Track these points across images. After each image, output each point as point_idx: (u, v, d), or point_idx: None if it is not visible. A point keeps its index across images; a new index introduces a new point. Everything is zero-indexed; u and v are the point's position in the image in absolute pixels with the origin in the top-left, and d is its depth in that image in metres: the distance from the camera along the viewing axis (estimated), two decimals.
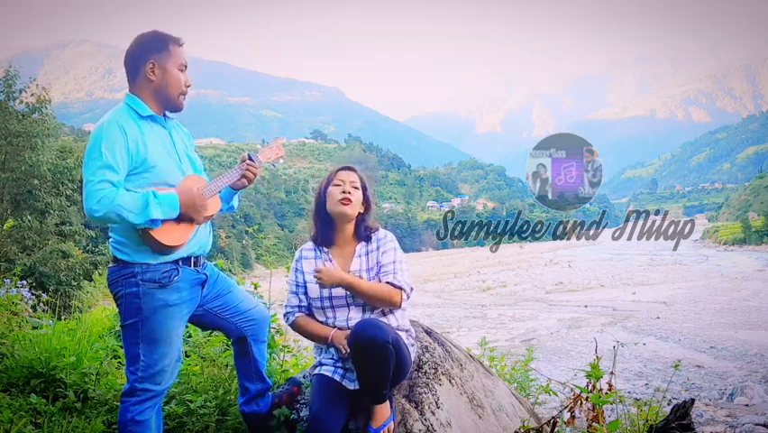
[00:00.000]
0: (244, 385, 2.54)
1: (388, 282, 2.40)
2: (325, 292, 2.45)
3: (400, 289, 2.39)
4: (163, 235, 2.09)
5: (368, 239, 2.53)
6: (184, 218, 2.13)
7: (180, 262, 2.18)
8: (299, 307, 2.52)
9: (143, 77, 2.17)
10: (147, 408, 2.14)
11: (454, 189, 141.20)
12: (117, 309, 2.19)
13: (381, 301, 2.38)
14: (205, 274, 2.30)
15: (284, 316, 2.55)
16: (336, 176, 2.52)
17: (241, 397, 2.56)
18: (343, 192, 2.46)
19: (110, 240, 2.18)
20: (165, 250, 2.12)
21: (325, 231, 2.52)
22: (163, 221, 2.07)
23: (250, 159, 2.36)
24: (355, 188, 2.50)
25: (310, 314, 2.51)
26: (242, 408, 2.55)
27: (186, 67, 2.24)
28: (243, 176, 2.34)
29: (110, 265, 2.19)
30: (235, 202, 2.49)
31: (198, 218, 2.16)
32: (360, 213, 2.53)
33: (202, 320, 2.40)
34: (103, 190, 1.97)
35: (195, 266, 2.24)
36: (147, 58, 2.16)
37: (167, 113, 2.29)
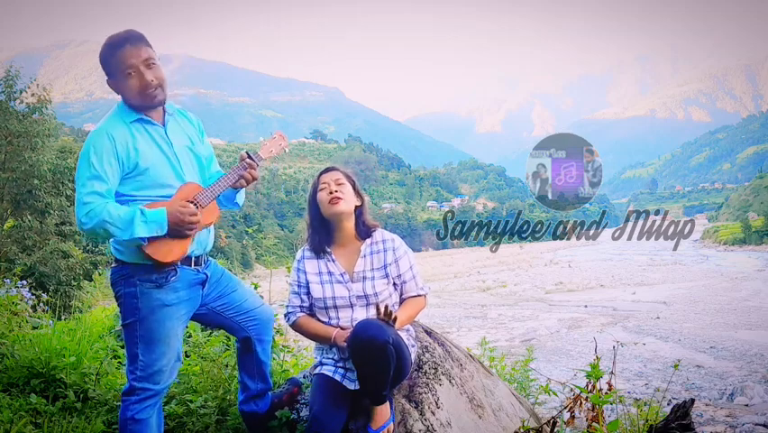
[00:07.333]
0: (244, 382, 2.53)
1: (411, 296, 2.54)
2: (328, 292, 2.46)
3: (424, 294, 2.57)
4: (158, 252, 2.07)
5: (369, 236, 2.52)
6: (176, 234, 2.10)
7: (179, 262, 2.17)
8: (301, 307, 2.52)
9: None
10: (146, 406, 2.15)
11: (454, 189, 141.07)
12: (118, 309, 2.21)
13: (417, 315, 2.55)
14: (205, 274, 2.29)
15: (285, 316, 2.55)
16: (320, 181, 2.51)
17: (241, 394, 2.55)
18: (330, 193, 2.45)
19: (110, 240, 2.18)
20: (165, 266, 2.11)
21: (325, 236, 2.52)
22: (149, 239, 2.05)
23: (249, 157, 2.24)
24: (341, 184, 2.48)
25: (312, 314, 2.51)
26: (240, 407, 2.55)
27: (139, 61, 2.09)
28: (242, 176, 2.22)
29: (112, 266, 2.22)
30: (240, 199, 2.41)
31: (190, 234, 2.12)
32: (357, 206, 2.52)
33: (205, 319, 2.42)
34: (91, 204, 1.98)
35: (195, 265, 2.24)
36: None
37: (167, 108, 2.25)
